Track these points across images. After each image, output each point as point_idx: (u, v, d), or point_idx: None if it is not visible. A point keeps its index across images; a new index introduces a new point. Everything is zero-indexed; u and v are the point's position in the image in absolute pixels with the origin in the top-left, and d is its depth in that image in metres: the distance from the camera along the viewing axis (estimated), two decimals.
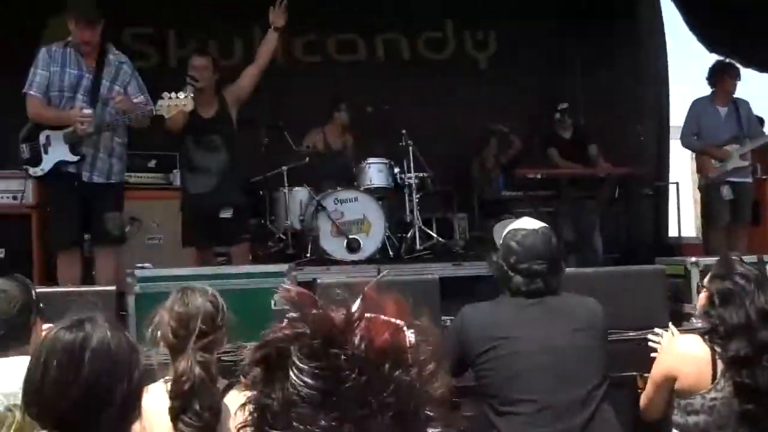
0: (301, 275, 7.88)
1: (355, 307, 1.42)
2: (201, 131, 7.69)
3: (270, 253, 9.43)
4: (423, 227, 9.79)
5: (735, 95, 9.36)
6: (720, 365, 3.89)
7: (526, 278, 3.99)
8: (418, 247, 9.54)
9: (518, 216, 10.52)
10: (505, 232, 4.17)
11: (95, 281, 6.87)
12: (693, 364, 3.96)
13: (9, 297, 3.56)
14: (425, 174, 9.94)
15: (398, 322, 1.43)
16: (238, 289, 6.03)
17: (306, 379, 1.37)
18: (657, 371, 4.15)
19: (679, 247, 11.30)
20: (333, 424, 1.36)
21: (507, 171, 10.97)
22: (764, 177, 10.17)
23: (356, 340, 1.38)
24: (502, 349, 3.87)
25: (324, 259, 8.90)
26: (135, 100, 6.86)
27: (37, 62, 6.83)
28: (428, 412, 1.41)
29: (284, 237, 9.54)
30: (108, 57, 6.90)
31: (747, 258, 7.10)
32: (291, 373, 1.38)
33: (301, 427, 1.36)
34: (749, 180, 9.34)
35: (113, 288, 5.87)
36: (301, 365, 1.37)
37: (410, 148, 9.73)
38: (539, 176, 9.87)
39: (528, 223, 4.20)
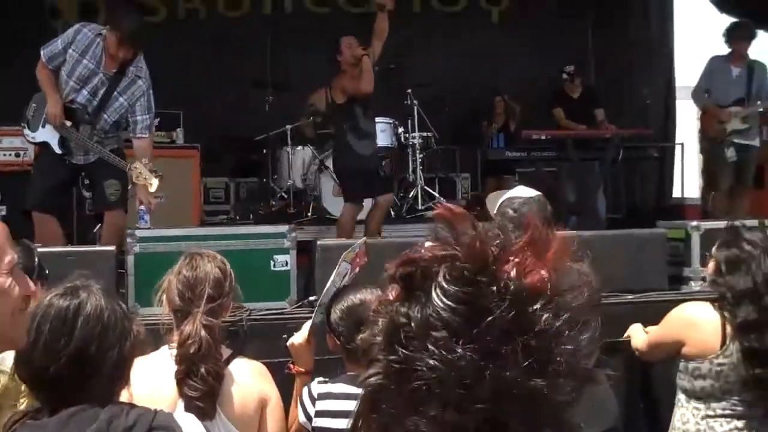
0: (302, 235, 7.91)
1: (515, 239, 1.33)
2: (368, 102, 8.12)
3: (271, 212, 9.43)
4: (425, 187, 9.78)
5: (754, 57, 9.31)
6: (729, 331, 3.91)
7: None
8: (420, 206, 9.53)
9: (521, 176, 10.65)
10: (500, 201, 4.16)
11: (101, 243, 6.86)
12: (702, 329, 3.99)
13: None
14: (429, 133, 9.91)
15: (556, 262, 1.32)
16: (236, 249, 6.03)
17: (450, 303, 1.27)
18: (665, 334, 4.19)
19: (683, 208, 11.27)
20: (469, 355, 1.26)
21: (511, 132, 10.94)
22: None
23: (509, 273, 1.28)
24: None
25: (325, 219, 8.89)
26: (135, 118, 6.68)
27: (66, 36, 6.64)
28: (572, 364, 1.31)
29: (286, 196, 9.55)
30: (129, 68, 6.64)
31: (749, 222, 7.16)
32: (434, 294, 1.28)
33: (436, 351, 1.26)
34: (755, 143, 9.29)
35: (113, 248, 5.88)
36: (447, 287, 1.28)
37: (415, 107, 9.70)
38: (544, 137, 9.82)
39: (523, 192, 4.19)
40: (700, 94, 9.34)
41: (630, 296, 6.02)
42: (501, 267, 1.29)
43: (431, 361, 1.27)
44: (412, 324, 1.30)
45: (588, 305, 1.34)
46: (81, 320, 2.38)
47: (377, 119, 9.53)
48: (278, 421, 3.37)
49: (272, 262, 6.01)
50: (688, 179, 12.10)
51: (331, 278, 3.73)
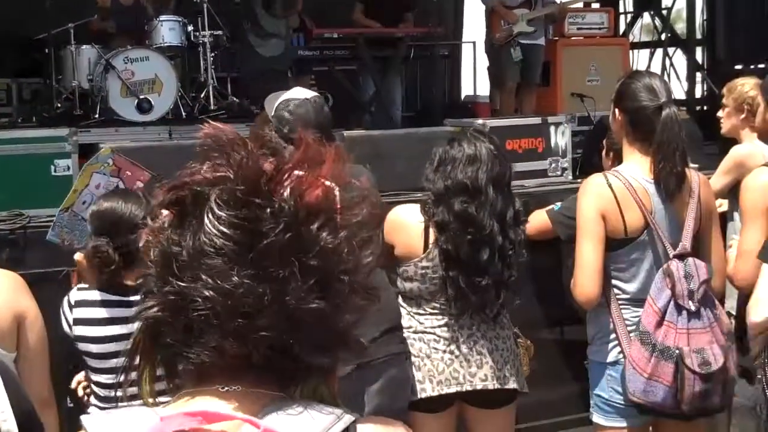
0: (88, 137, 7.67)
1: (288, 156, 1.28)
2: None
3: (56, 114, 9.08)
4: (217, 87, 9.58)
5: None
6: (432, 235, 3.99)
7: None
8: (212, 107, 9.35)
9: (318, 75, 10.59)
10: (277, 103, 4.11)
11: None
12: (407, 232, 4.05)
13: None
14: (220, 32, 9.68)
15: (333, 178, 1.30)
16: (15, 155, 5.80)
17: (223, 229, 1.23)
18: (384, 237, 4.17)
19: (475, 106, 11.50)
20: (246, 281, 1.22)
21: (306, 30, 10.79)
22: (555, 39, 10.37)
23: (284, 193, 1.25)
24: None
25: (114, 121, 8.62)
26: None
27: None
28: (354, 282, 1.30)
29: (71, 97, 9.19)
30: None
31: (531, 119, 7.39)
32: (206, 219, 1.24)
33: (210, 281, 1.22)
34: (540, 42, 9.52)
35: None
36: (219, 212, 1.24)
37: (205, 4, 9.44)
38: (336, 35, 9.77)
39: (300, 93, 4.16)
40: None
41: (419, 194, 6.09)
42: (275, 187, 1.26)
43: (206, 292, 1.23)
44: (185, 253, 1.26)
45: (369, 221, 1.33)
46: None
47: (162, 17, 9.28)
48: (38, 336, 3.18)
49: (53, 167, 5.80)
50: (480, 77, 12.33)
51: (85, 191, 3.60)
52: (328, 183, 1.28)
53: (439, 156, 4.00)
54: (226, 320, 1.23)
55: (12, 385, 2.10)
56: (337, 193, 1.29)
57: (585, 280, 3.82)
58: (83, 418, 1.30)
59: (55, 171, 5.78)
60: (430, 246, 3.96)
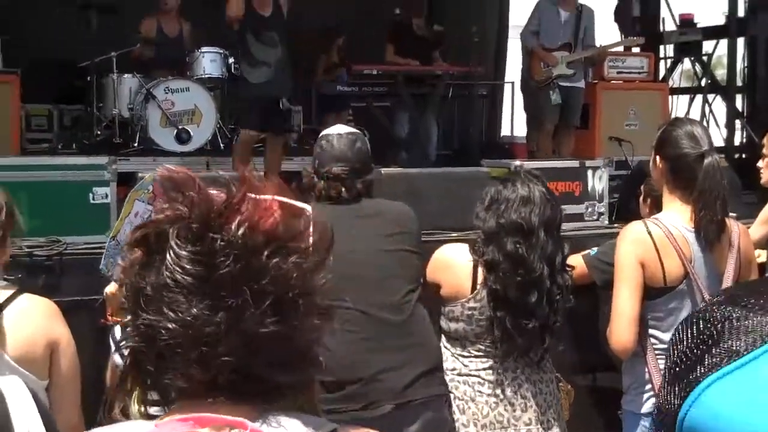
0: (127, 165, 7.71)
1: (235, 190, 1.37)
2: (261, 27, 7.90)
3: (96, 141, 9.16)
4: None
5: (583, 2, 9.46)
6: (480, 275, 3.94)
7: (327, 182, 3.94)
8: None
9: (355, 111, 10.63)
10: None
11: None
12: (455, 272, 3.99)
13: None
14: None
15: (280, 208, 1.38)
16: (54, 181, 5.84)
17: (183, 264, 1.33)
18: (427, 275, 4.13)
19: (512, 147, 11.49)
20: (205, 312, 1.32)
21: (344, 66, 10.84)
22: (595, 81, 10.35)
23: (234, 225, 1.34)
24: None
25: (152, 150, 8.69)
26: None
27: None
28: (309, 303, 1.39)
29: (111, 125, 9.28)
30: None
31: (569, 162, 7.36)
32: (168, 256, 1.33)
33: (171, 314, 1.32)
34: (580, 85, 9.49)
35: None
36: (177, 250, 1.33)
37: None
38: (375, 72, 9.80)
39: (337, 129, 4.15)
40: (528, 35, 9.45)
41: (454, 234, 6.08)
42: (226, 221, 1.34)
43: (169, 324, 1.33)
44: (149, 288, 1.35)
45: (319, 247, 1.43)
46: None
47: (204, 48, 9.36)
48: (70, 363, 3.17)
49: (91, 195, 5.84)
50: (518, 118, 12.32)
51: (126, 220, 3.61)
52: (277, 213, 1.37)
53: (491, 195, 3.97)
54: (189, 349, 1.33)
55: (43, 414, 2.10)
56: (284, 222, 1.38)
57: (621, 329, 3.78)
58: None
59: (93, 199, 5.82)
60: (479, 286, 3.91)
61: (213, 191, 1.38)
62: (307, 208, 1.45)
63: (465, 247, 4.02)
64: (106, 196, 5.86)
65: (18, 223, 3.26)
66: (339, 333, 3.82)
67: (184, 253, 1.33)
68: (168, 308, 1.33)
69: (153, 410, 1.43)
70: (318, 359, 1.42)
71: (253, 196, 1.38)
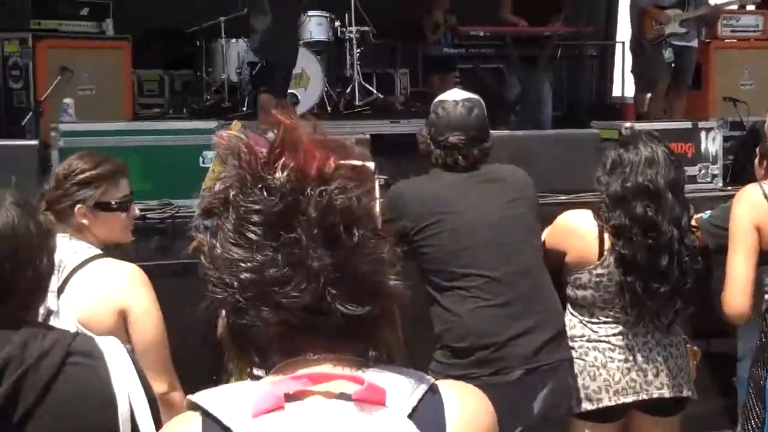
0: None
1: (274, 140, 1.48)
2: None
3: (206, 106, 9.28)
4: (363, 82, 9.65)
5: None
6: (607, 241, 3.86)
7: (444, 150, 3.92)
8: (357, 102, 9.42)
9: (462, 73, 10.54)
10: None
11: None
12: (581, 239, 3.91)
13: None
14: (367, 28, 9.74)
15: (320, 149, 1.47)
16: (165, 145, 5.94)
17: (247, 216, 1.44)
18: (549, 241, 4.06)
19: (623, 107, 11.28)
20: (268, 254, 1.43)
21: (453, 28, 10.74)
22: (708, 40, 10.07)
23: (279, 171, 1.44)
24: (445, 224, 3.80)
25: None
26: None
27: None
28: (359, 231, 1.46)
29: (220, 90, 9.38)
30: None
31: (682, 123, 7.19)
32: (230, 215, 1.46)
33: (242, 264, 1.43)
34: (693, 44, 9.24)
35: (35, 142, 5.74)
36: (239, 205, 1.45)
37: (353, 1, 9.52)
38: (482, 33, 9.69)
39: (453, 95, 4.10)
40: None
41: (563, 197, 6.01)
42: (271, 168, 1.45)
43: (242, 274, 1.44)
44: (218, 247, 1.46)
45: (363, 178, 1.51)
46: None
47: (311, 12, 9.36)
48: (146, 331, 3.09)
49: (201, 159, 5.90)
50: (629, 78, 12.06)
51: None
52: (319, 154, 1.46)
53: (612, 159, 3.88)
54: (259, 294, 1.43)
55: (140, 374, 2.11)
56: (331, 162, 1.47)
57: (735, 294, 3.69)
58: (191, 397, 1.46)
59: (203, 162, 5.87)
60: (606, 252, 3.85)
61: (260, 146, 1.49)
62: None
63: (588, 213, 3.94)
64: None
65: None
66: (470, 300, 3.83)
67: (245, 206, 1.44)
68: (237, 263, 1.44)
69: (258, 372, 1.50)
70: (390, 288, 1.50)
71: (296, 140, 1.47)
